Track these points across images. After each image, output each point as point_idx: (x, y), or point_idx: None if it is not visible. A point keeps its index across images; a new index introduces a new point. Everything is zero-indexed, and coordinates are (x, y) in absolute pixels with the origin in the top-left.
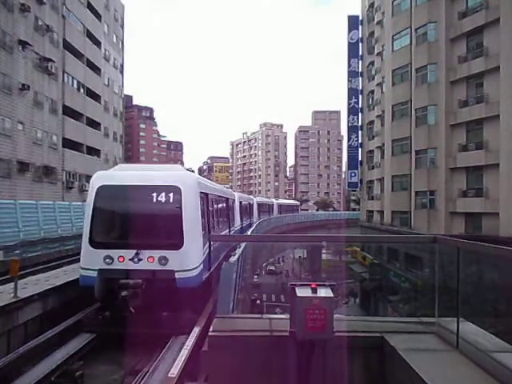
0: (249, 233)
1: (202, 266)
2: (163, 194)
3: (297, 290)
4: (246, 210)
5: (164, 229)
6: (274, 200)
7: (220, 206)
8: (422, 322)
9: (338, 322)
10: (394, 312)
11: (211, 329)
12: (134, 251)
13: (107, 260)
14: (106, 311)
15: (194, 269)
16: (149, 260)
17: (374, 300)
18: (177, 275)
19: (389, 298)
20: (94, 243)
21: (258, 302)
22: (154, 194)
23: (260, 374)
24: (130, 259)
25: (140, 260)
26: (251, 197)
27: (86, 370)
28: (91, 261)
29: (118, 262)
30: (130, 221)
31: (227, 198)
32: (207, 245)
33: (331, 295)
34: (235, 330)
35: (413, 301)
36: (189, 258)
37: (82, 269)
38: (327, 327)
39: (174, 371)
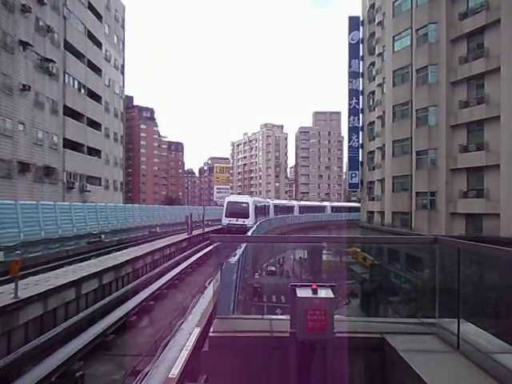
0: (249, 233)
1: (252, 223)
2: (244, 204)
3: (297, 290)
4: (276, 210)
5: (243, 213)
6: (295, 202)
7: (261, 206)
8: (423, 322)
9: (339, 323)
10: (394, 313)
11: (212, 329)
12: (236, 219)
13: (229, 220)
14: None
15: (251, 224)
16: (239, 221)
17: (375, 301)
18: (247, 225)
19: (389, 299)
20: (226, 216)
21: (259, 289)
22: (241, 203)
23: (260, 375)
24: (235, 221)
25: (237, 221)
26: (287, 201)
27: (87, 370)
28: (225, 221)
29: (232, 221)
30: (235, 211)
31: (265, 204)
32: (255, 218)
33: (332, 296)
34: (236, 330)
35: (413, 302)
36: (250, 221)
37: (224, 223)
38: (328, 328)
39: (175, 372)
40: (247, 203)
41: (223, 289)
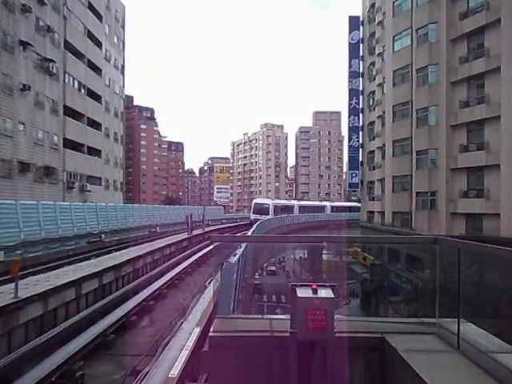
0: (249, 233)
1: (271, 216)
2: (266, 204)
3: (297, 290)
4: (299, 210)
5: (265, 211)
6: (327, 203)
7: (282, 206)
8: (423, 322)
9: (339, 323)
10: (394, 313)
11: (212, 329)
12: (260, 215)
13: (255, 216)
14: None
15: (270, 216)
16: (262, 216)
17: (375, 300)
18: (267, 218)
19: (389, 299)
20: (253, 213)
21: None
22: (264, 204)
23: (260, 375)
24: (259, 216)
25: (261, 216)
26: (315, 203)
27: (87, 370)
28: (252, 216)
29: (257, 216)
30: (260, 209)
31: (287, 205)
32: (273, 214)
33: (332, 296)
34: (236, 330)
35: (413, 301)
36: (269, 215)
37: (252, 218)
38: (328, 328)
39: (175, 372)
40: (268, 204)
41: (223, 288)
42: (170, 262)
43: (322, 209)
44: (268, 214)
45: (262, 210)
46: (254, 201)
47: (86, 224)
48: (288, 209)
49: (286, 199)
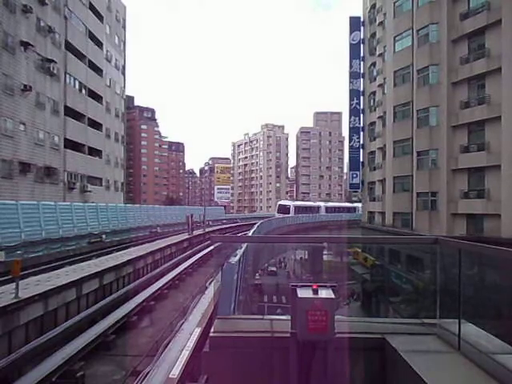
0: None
1: (293, 213)
2: (287, 205)
3: (298, 290)
4: (326, 210)
5: (287, 211)
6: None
7: (301, 207)
8: (424, 323)
9: (339, 323)
10: (395, 313)
11: (212, 329)
12: (283, 214)
13: (279, 214)
14: None
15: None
16: (285, 213)
17: (376, 301)
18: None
19: (390, 300)
20: (277, 212)
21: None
22: (286, 205)
23: (261, 375)
24: (282, 215)
25: (283, 215)
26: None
27: (87, 370)
28: (277, 214)
29: (280, 215)
30: (283, 210)
31: (311, 206)
32: (294, 212)
33: (332, 296)
34: (236, 330)
35: (414, 302)
36: (290, 214)
37: (276, 216)
38: (328, 328)
39: (175, 372)
40: (290, 205)
41: (224, 289)
42: (171, 262)
43: (352, 209)
44: (289, 213)
45: (284, 209)
46: (279, 202)
47: (86, 224)
48: (310, 209)
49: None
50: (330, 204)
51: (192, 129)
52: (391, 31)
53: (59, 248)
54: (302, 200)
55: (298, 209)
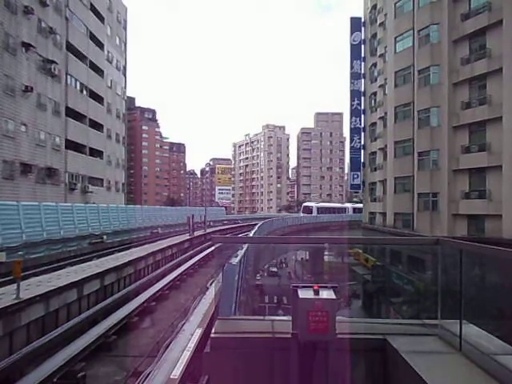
0: (251, 234)
1: (316, 213)
2: (310, 207)
3: (299, 291)
4: (353, 211)
5: (310, 211)
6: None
7: (323, 208)
8: (425, 324)
9: (341, 324)
10: (396, 314)
11: (213, 330)
12: (306, 214)
13: (303, 214)
14: None
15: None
16: (308, 213)
17: (377, 302)
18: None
19: (391, 300)
20: (302, 212)
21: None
22: (310, 206)
23: (262, 376)
24: (306, 215)
25: (307, 214)
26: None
27: (88, 371)
28: (302, 214)
29: (305, 215)
30: (307, 210)
31: (334, 207)
32: (317, 212)
33: (333, 297)
34: (237, 331)
35: (415, 303)
36: (313, 213)
37: (301, 215)
38: (329, 329)
39: (176, 373)
40: (312, 206)
41: (225, 290)
42: (172, 263)
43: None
44: (312, 213)
45: (308, 210)
46: (304, 204)
47: (87, 225)
48: (333, 210)
49: (288, 200)
50: (356, 205)
51: (193, 129)
52: (392, 32)
53: (60, 249)
54: (304, 200)
55: (320, 209)
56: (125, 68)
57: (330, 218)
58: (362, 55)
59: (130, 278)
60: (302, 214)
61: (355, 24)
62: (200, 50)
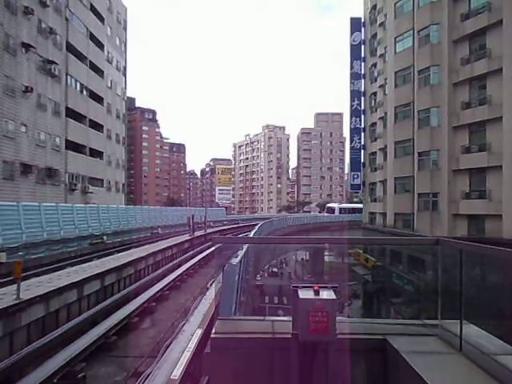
0: (251, 234)
1: (338, 213)
2: (332, 207)
3: (299, 291)
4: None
5: (333, 212)
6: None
7: (349, 208)
8: (425, 324)
9: (341, 324)
10: (396, 314)
11: (213, 331)
12: (329, 213)
13: (327, 213)
14: None
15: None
16: (331, 213)
17: (377, 302)
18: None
19: (391, 301)
20: (326, 212)
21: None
22: (333, 207)
23: (262, 376)
24: (329, 215)
25: (331, 214)
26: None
27: (89, 371)
28: (325, 214)
29: (328, 215)
30: (330, 210)
31: (354, 208)
32: (339, 212)
33: (334, 297)
34: (237, 331)
35: (415, 303)
36: (335, 214)
37: (325, 215)
38: (330, 329)
39: (176, 373)
40: (335, 206)
41: (225, 290)
42: (172, 263)
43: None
44: (334, 213)
45: (330, 210)
46: (327, 205)
47: (87, 225)
48: (353, 210)
49: (288, 200)
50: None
51: (193, 130)
52: (392, 32)
53: (60, 249)
54: (304, 200)
55: (342, 209)
56: (125, 68)
57: (337, 218)
58: (362, 55)
59: (131, 278)
60: (325, 215)
61: (355, 24)
62: (200, 51)
